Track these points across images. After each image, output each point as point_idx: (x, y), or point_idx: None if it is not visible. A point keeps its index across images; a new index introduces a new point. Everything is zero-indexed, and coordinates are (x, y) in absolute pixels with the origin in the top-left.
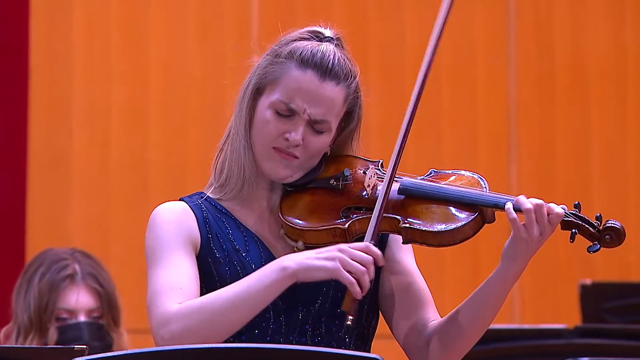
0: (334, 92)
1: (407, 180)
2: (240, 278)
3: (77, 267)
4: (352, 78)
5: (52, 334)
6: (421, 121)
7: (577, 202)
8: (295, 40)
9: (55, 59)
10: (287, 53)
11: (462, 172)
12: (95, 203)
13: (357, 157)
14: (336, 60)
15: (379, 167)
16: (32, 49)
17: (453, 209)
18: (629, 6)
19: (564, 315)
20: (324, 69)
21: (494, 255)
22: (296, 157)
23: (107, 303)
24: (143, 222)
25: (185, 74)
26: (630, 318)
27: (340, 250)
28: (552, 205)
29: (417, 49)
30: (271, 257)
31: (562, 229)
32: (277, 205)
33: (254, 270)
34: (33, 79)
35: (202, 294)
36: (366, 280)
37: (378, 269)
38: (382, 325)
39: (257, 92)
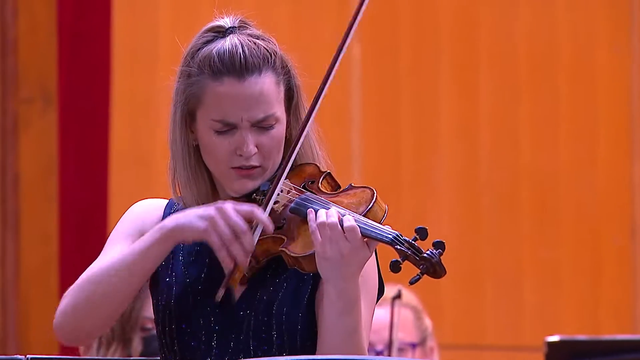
0: (261, 83)
1: (302, 197)
2: (172, 288)
3: None
4: (272, 57)
5: (137, 345)
6: (537, 117)
7: (420, 227)
8: (198, 49)
9: (139, 49)
10: (197, 69)
11: (362, 186)
12: None
13: (304, 170)
14: (246, 51)
15: (315, 182)
16: (115, 38)
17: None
18: None
19: None
20: (238, 68)
21: (615, 259)
22: (257, 167)
23: None
24: None
25: None
26: None
27: (218, 210)
28: (346, 218)
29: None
30: (215, 270)
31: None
32: None
33: (186, 284)
34: (115, 71)
35: (154, 298)
36: (236, 250)
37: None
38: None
39: (188, 118)
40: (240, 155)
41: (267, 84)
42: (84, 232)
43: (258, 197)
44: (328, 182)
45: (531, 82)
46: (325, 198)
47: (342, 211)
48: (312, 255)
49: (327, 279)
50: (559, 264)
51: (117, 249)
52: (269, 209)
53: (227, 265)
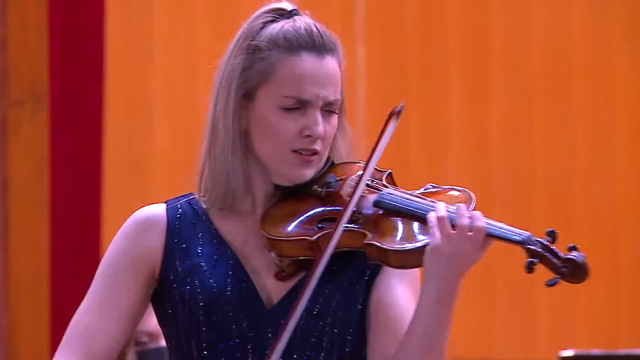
0: (333, 65)
1: (386, 192)
2: (197, 300)
3: None
4: (338, 44)
5: None
6: (552, 120)
7: (550, 230)
8: (261, 27)
9: (133, 48)
10: (268, 43)
11: (458, 188)
12: None
13: (361, 163)
14: (321, 31)
15: (380, 179)
16: (108, 37)
17: (425, 227)
18: None
19: None
20: (317, 45)
21: (634, 269)
22: (316, 153)
23: None
24: None
25: None
26: None
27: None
28: (476, 215)
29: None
30: (242, 274)
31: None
32: (262, 214)
33: (214, 292)
34: (109, 71)
35: (165, 313)
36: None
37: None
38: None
39: (245, 98)
40: (307, 137)
41: (336, 67)
42: (77, 241)
43: (320, 190)
44: (390, 181)
45: (545, 84)
46: (408, 194)
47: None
48: (411, 250)
49: (433, 276)
50: None
51: (118, 302)
52: (351, 203)
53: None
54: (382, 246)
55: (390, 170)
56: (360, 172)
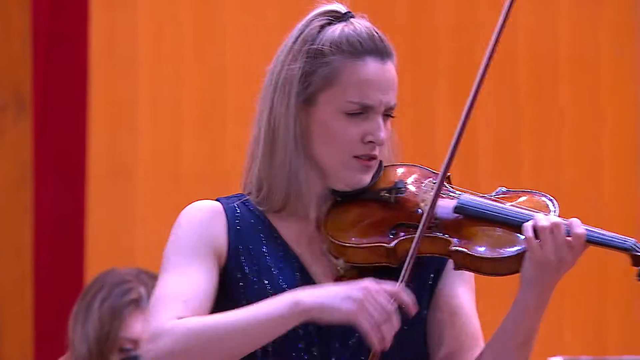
0: (393, 69)
1: (467, 197)
2: (268, 298)
3: (142, 290)
4: (393, 49)
5: None
6: (538, 125)
7: None
8: (319, 31)
9: (118, 53)
10: (331, 47)
11: (534, 192)
12: (164, 217)
13: (417, 166)
14: (381, 35)
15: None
16: (93, 41)
17: (514, 234)
18: None
19: None
20: (379, 49)
21: (621, 276)
22: (375, 158)
23: None
24: None
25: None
26: None
27: (365, 290)
28: (575, 223)
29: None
30: (307, 277)
31: (632, 265)
32: (323, 219)
33: (284, 292)
34: (93, 76)
35: (224, 311)
36: (386, 332)
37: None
38: None
39: (305, 102)
40: (369, 142)
41: (395, 71)
42: (60, 246)
43: (389, 195)
44: (451, 185)
45: (532, 89)
46: (487, 199)
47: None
48: (507, 258)
49: (535, 284)
50: (562, 280)
51: (197, 273)
52: (433, 208)
53: (376, 345)
54: (474, 253)
55: (450, 173)
56: (430, 179)
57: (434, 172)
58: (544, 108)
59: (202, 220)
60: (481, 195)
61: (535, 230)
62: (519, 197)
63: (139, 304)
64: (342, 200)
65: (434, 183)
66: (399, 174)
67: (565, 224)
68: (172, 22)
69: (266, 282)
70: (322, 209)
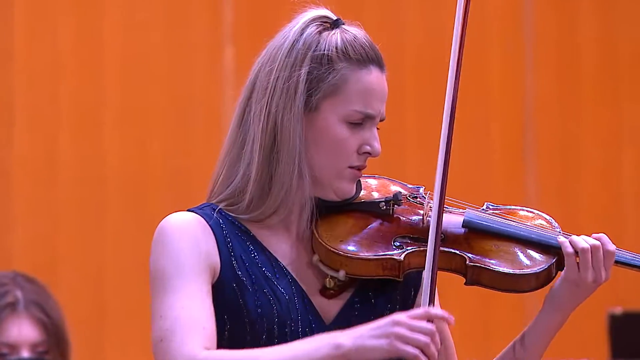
0: (386, 80)
1: (473, 213)
2: (272, 309)
3: (19, 293)
4: None
5: None
6: (423, 120)
7: None
8: (318, 36)
9: None
10: (338, 54)
11: (529, 209)
12: (41, 219)
13: (393, 180)
14: (375, 44)
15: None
16: None
17: (529, 251)
18: None
19: (591, 349)
20: (379, 59)
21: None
22: (365, 168)
23: (54, 336)
24: (97, 242)
25: (148, 69)
26: None
27: (396, 324)
28: (605, 240)
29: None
30: (299, 288)
31: None
32: (307, 230)
33: (287, 302)
34: None
35: (224, 326)
36: (432, 351)
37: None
38: None
39: (308, 108)
40: (364, 153)
41: None
42: None
43: (388, 207)
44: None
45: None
46: (495, 216)
47: None
48: (528, 275)
49: (561, 304)
50: None
51: (203, 294)
52: (440, 222)
53: None
54: (494, 269)
55: (423, 186)
56: (429, 192)
57: (411, 187)
58: (426, 104)
59: (195, 236)
60: (475, 207)
61: (575, 251)
62: (517, 212)
63: (15, 307)
64: (328, 210)
65: (430, 195)
66: (383, 187)
67: (602, 244)
68: (48, 18)
69: (266, 291)
70: (302, 220)
